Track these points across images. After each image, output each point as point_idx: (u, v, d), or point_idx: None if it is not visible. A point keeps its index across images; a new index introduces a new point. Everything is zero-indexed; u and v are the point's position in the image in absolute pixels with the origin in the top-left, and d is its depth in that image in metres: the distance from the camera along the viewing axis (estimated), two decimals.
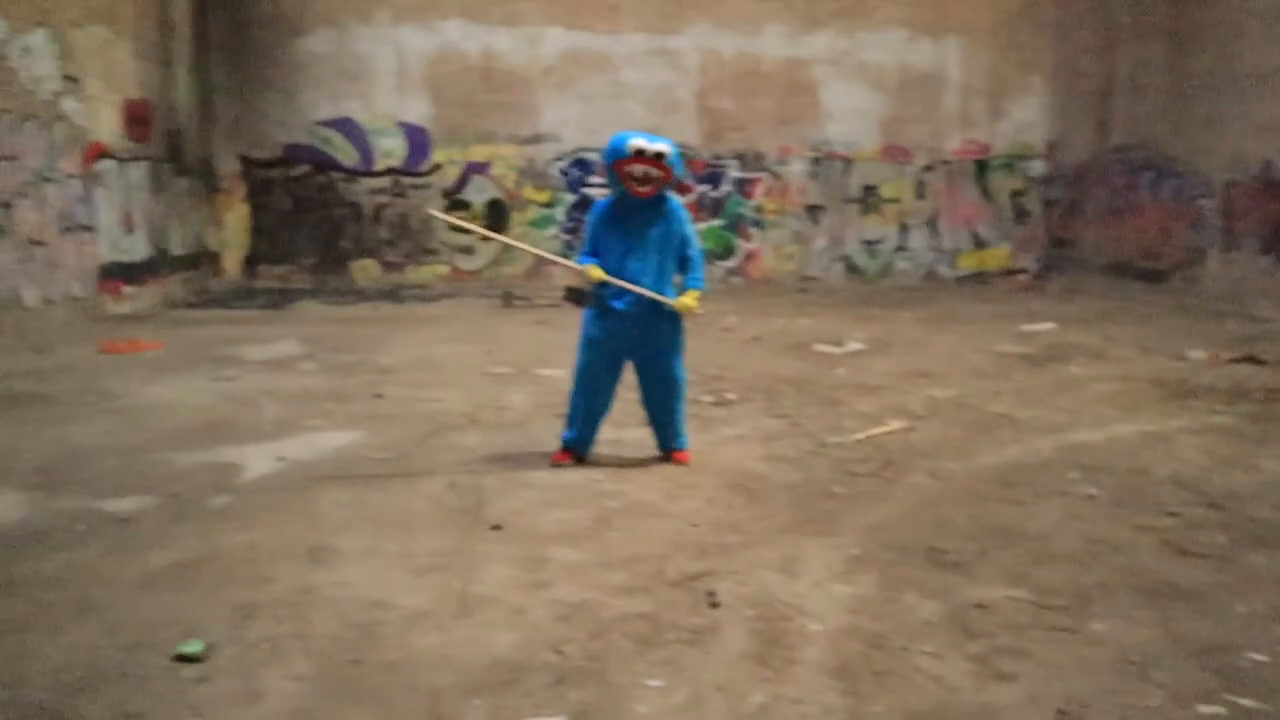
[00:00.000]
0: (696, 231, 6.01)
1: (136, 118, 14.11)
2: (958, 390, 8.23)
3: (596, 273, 5.70)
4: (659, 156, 5.56)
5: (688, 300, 5.74)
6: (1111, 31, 16.46)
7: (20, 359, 9.61)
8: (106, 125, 13.27)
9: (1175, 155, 14.85)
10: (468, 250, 17.83)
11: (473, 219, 17.84)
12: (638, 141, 5.56)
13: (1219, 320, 12.82)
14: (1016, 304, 15.30)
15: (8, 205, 10.96)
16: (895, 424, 6.94)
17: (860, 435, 6.62)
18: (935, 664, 3.45)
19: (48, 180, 11.77)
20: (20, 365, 9.28)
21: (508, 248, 17.51)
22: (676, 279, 5.90)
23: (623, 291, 5.70)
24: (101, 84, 13.06)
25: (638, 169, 5.57)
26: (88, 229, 12.75)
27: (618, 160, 5.61)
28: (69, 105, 12.26)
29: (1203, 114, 14.18)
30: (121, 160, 13.70)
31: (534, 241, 17.83)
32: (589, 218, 5.96)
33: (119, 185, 13.62)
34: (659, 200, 5.75)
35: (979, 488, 5.51)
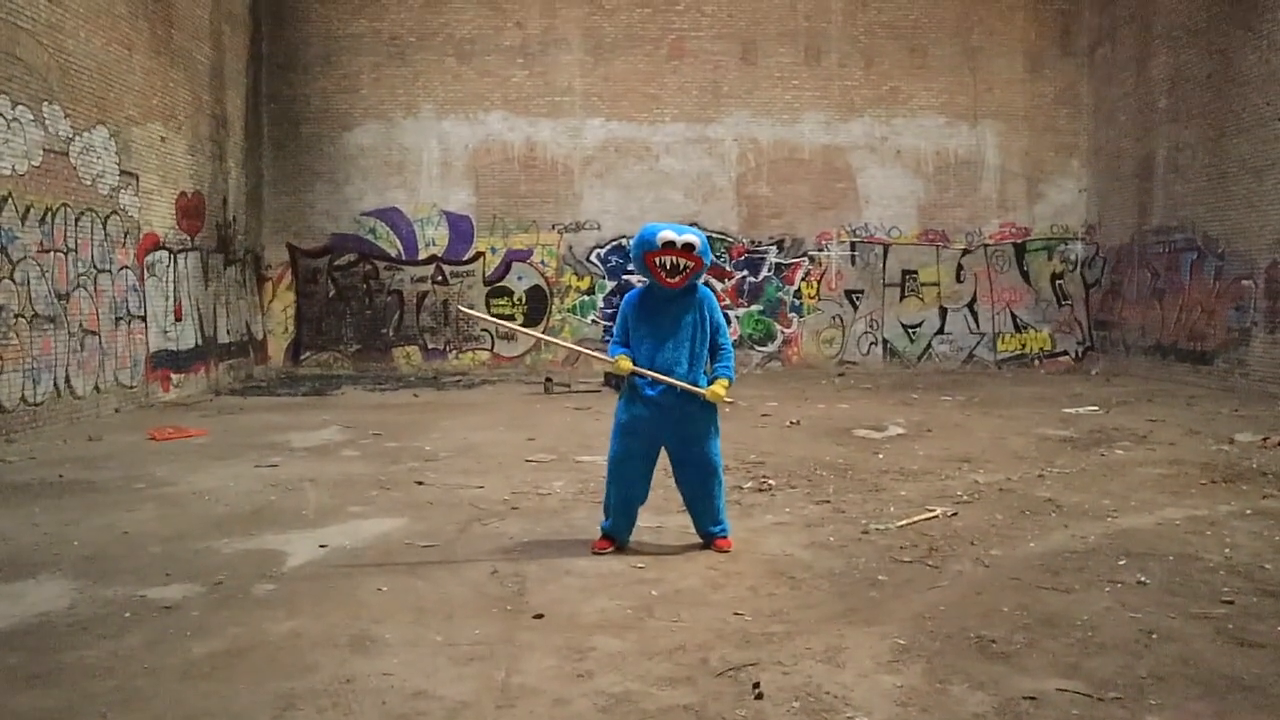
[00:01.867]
0: (735, 317, 6.05)
1: (189, 210, 14.53)
2: (1001, 475, 8.14)
3: (626, 364, 5.74)
4: (688, 247, 5.63)
5: (717, 389, 5.75)
6: (1149, 115, 16.54)
7: (71, 446, 9.80)
8: (160, 218, 13.67)
9: (1216, 236, 14.79)
10: (508, 337, 18.05)
11: (513, 305, 18.09)
12: (667, 233, 5.64)
13: (1266, 402, 12.62)
14: (1058, 387, 15.17)
15: (64, 297, 11.27)
16: (938, 510, 6.86)
17: (903, 522, 6.55)
18: None
19: (102, 271, 12.11)
20: (71, 452, 9.45)
21: (546, 334, 17.71)
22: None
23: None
24: (157, 178, 13.50)
25: (668, 260, 5.64)
26: (139, 318, 13.06)
27: (647, 252, 5.68)
28: (126, 199, 12.66)
29: (1242, 195, 14.14)
30: (173, 251, 14.07)
31: (574, 328, 18.05)
32: (621, 308, 6.03)
33: (170, 276, 13.98)
34: (689, 289, 5.81)
35: (1025, 575, 5.41)
